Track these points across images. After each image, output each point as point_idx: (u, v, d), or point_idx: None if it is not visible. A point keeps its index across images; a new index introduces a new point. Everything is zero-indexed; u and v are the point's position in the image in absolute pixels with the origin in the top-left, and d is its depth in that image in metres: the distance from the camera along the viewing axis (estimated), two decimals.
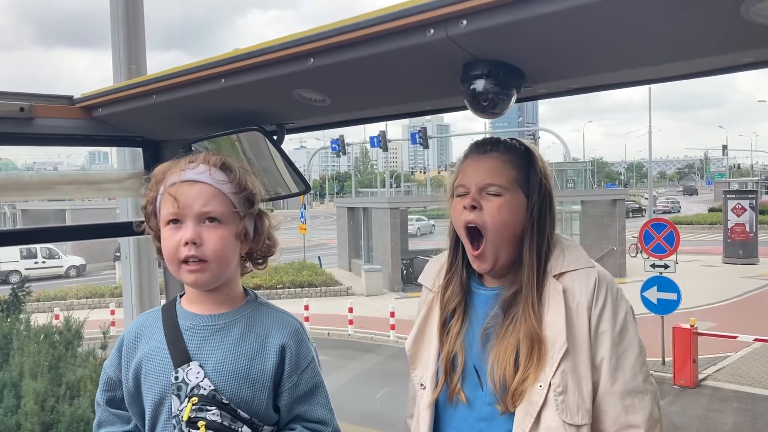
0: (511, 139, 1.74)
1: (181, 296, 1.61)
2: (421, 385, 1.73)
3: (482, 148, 1.71)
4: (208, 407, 1.43)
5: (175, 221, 1.47)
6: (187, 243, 1.44)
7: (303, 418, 1.54)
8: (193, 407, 1.42)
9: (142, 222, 1.59)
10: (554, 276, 1.63)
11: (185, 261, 1.46)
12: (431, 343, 1.74)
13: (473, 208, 1.64)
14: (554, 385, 1.54)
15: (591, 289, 1.60)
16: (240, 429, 1.45)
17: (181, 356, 1.48)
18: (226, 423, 1.43)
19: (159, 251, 1.56)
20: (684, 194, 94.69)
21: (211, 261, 1.46)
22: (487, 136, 1.74)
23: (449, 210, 1.73)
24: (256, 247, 1.58)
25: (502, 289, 1.69)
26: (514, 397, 1.57)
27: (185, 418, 1.42)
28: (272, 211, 1.67)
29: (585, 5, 0.99)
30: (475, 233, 1.65)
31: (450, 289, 1.75)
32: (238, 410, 1.45)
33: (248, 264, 1.61)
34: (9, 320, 7.38)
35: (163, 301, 1.85)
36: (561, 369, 1.54)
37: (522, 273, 1.65)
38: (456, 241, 1.76)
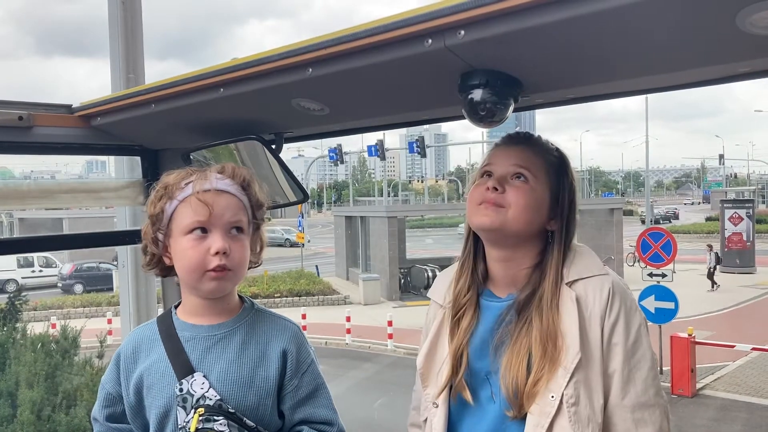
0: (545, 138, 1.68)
1: (175, 307, 1.61)
2: (434, 404, 1.67)
3: (515, 138, 1.65)
4: (215, 417, 1.42)
5: (203, 230, 1.47)
6: (217, 252, 1.45)
7: (308, 421, 1.55)
8: (200, 418, 1.42)
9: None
10: (567, 283, 1.57)
11: (212, 270, 1.46)
12: (444, 360, 1.67)
13: (495, 189, 1.56)
14: (567, 396, 1.49)
15: (605, 299, 1.54)
16: None
17: (183, 368, 1.48)
18: None
19: (155, 259, 1.55)
20: (704, 202, 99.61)
21: (235, 270, 1.49)
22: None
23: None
24: (255, 258, 1.60)
25: (513, 297, 1.62)
26: (527, 400, 1.51)
27: (192, 430, 1.42)
28: (270, 219, 1.67)
29: (582, 16, 0.99)
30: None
31: (460, 286, 1.68)
32: (244, 418, 1.46)
33: None
34: (5, 329, 7.35)
35: (161, 310, 1.83)
36: (575, 379, 1.49)
37: (540, 278, 1.59)
38: (471, 240, 1.68)
